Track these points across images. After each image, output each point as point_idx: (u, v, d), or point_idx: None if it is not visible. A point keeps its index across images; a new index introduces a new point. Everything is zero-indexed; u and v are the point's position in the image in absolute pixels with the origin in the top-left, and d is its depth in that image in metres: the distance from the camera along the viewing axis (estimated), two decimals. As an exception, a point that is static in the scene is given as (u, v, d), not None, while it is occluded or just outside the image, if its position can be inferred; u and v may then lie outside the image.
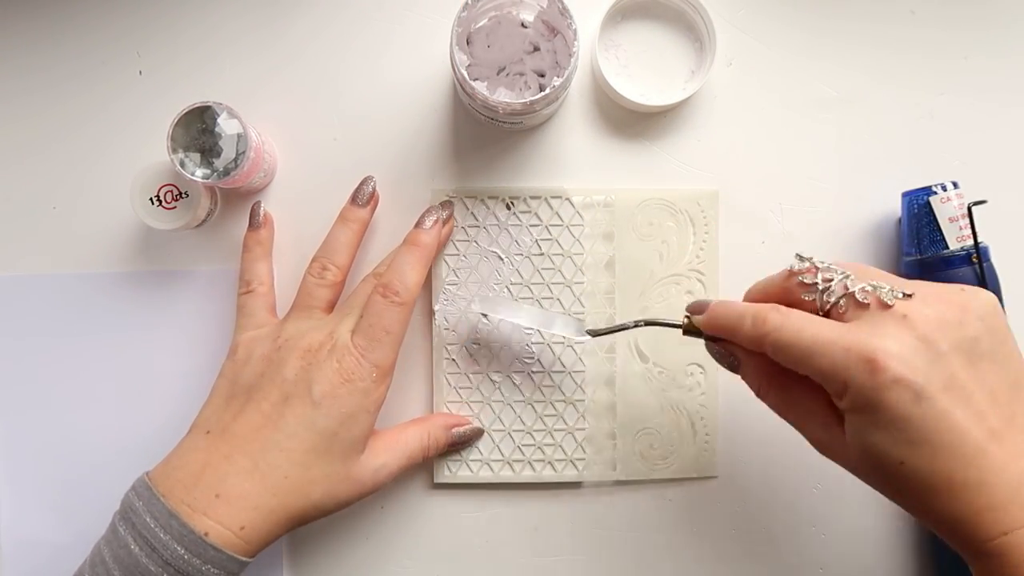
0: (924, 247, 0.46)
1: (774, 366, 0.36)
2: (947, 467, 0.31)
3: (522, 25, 0.45)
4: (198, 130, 0.43)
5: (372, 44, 0.50)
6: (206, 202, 0.46)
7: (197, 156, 0.43)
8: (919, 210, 0.46)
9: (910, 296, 0.33)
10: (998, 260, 0.46)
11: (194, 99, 0.43)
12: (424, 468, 0.49)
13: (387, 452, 0.44)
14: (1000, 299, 0.46)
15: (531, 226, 0.49)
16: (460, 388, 0.49)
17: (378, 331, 0.42)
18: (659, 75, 0.49)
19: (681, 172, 0.50)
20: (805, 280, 0.36)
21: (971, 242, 0.45)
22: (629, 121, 0.50)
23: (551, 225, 0.49)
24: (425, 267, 0.44)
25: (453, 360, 0.49)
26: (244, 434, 0.40)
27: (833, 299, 0.35)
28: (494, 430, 0.49)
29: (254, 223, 0.47)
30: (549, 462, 0.49)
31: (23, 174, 0.49)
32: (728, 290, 0.50)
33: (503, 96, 0.43)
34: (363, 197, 0.47)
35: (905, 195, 0.48)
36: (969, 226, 0.45)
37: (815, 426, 0.36)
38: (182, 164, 0.43)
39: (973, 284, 0.45)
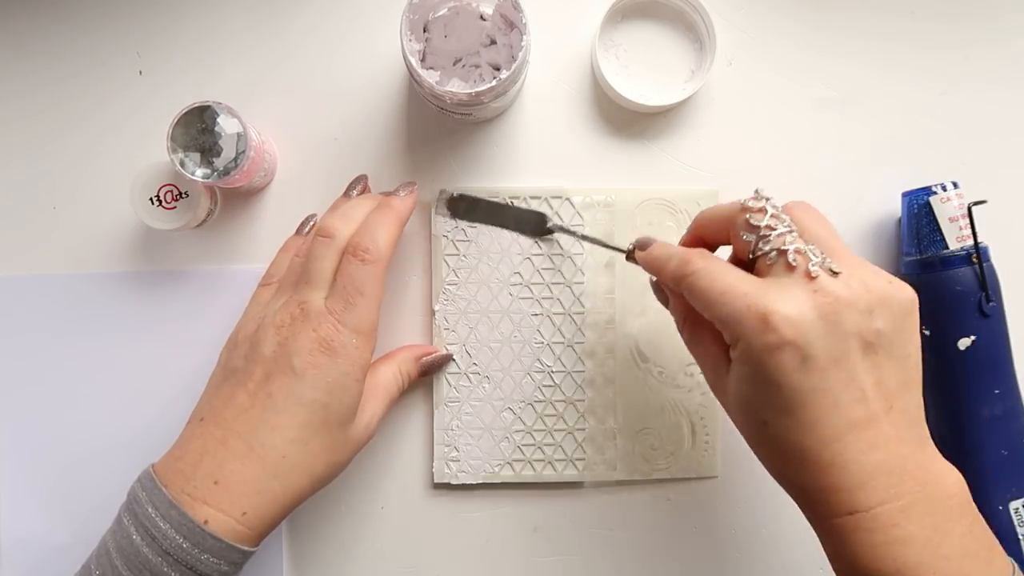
0: (924, 247, 0.46)
1: (691, 310, 0.38)
2: (804, 442, 0.32)
3: (481, 18, 0.45)
4: (198, 130, 0.43)
5: (372, 43, 0.50)
6: (206, 202, 0.46)
7: (197, 156, 0.43)
8: (919, 210, 0.46)
9: (836, 274, 0.33)
10: (998, 260, 0.46)
11: (194, 99, 0.43)
12: (424, 468, 0.49)
13: (370, 402, 0.43)
14: (1000, 299, 0.46)
15: (531, 226, 0.49)
16: (460, 388, 0.49)
17: (352, 293, 0.40)
18: (659, 75, 0.49)
19: (681, 172, 0.50)
20: (751, 220, 0.36)
21: (971, 242, 0.45)
22: (629, 121, 0.50)
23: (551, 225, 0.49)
24: (398, 229, 0.43)
25: (453, 360, 0.49)
26: (234, 416, 0.39)
27: (766, 248, 0.35)
28: (494, 430, 0.49)
29: (300, 231, 0.48)
30: (549, 462, 0.49)
31: (23, 174, 0.49)
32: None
33: (455, 87, 0.43)
34: (353, 191, 0.47)
35: (905, 195, 0.48)
36: (969, 226, 0.45)
37: (708, 367, 0.38)
38: (182, 164, 0.43)
39: (973, 284, 0.45)
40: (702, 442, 0.49)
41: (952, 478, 0.34)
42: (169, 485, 0.38)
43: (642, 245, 0.41)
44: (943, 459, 0.34)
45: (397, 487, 0.49)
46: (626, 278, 0.49)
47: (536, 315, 0.49)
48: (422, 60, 0.45)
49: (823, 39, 0.51)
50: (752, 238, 0.35)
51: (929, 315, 0.46)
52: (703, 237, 0.40)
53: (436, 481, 0.49)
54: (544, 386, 0.49)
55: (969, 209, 0.45)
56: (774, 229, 0.35)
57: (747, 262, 0.36)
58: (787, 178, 0.50)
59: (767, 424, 0.33)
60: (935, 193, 0.46)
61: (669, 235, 0.49)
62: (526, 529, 0.49)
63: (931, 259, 0.46)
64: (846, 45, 0.51)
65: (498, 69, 0.45)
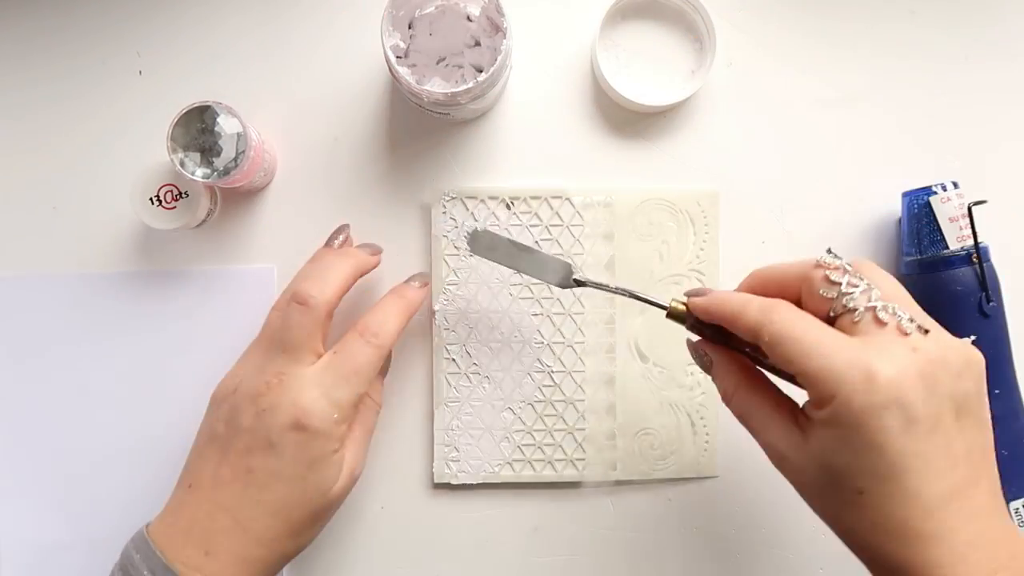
0: (924, 247, 0.46)
1: (746, 370, 0.37)
2: (906, 513, 0.31)
3: (468, 19, 0.45)
4: (198, 130, 0.43)
5: (373, 43, 0.49)
6: (206, 202, 0.46)
7: (197, 156, 0.43)
8: (919, 210, 0.46)
9: (927, 332, 0.32)
10: (998, 260, 0.46)
11: (194, 98, 0.43)
12: (424, 468, 0.49)
13: (353, 453, 0.42)
14: (1000, 299, 0.46)
15: (531, 226, 0.49)
16: (460, 388, 0.49)
17: (348, 370, 0.40)
18: (659, 75, 0.49)
19: (681, 172, 0.50)
20: (831, 276, 0.34)
21: (971, 242, 0.45)
22: (629, 121, 0.50)
23: (551, 225, 0.49)
24: (406, 319, 0.44)
25: (453, 360, 0.49)
26: (219, 489, 0.39)
27: (852, 305, 0.33)
28: (494, 430, 0.49)
29: (331, 243, 0.47)
30: (549, 462, 0.49)
31: (23, 174, 0.49)
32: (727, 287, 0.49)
33: (435, 85, 0.43)
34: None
35: (905, 195, 0.48)
36: (969, 226, 0.45)
37: (775, 433, 0.35)
38: (182, 164, 0.43)
39: (974, 284, 0.45)
40: (702, 442, 0.49)
41: None
42: (165, 550, 0.38)
43: (698, 292, 0.38)
44: (1016, 526, 0.33)
45: (397, 487, 0.49)
46: (626, 278, 0.49)
47: (536, 315, 0.49)
48: (406, 57, 0.45)
49: (823, 39, 0.51)
50: (834, 294, 0.34)
51: (929, 315, 0.46)
52: (764, 288, 0.38)
53: (436, 481, 0.49)
54: (544, 386, 0.49)
55: (969, 209, 0.45)
56: (856, 286, 0.33)
57: (825, 320, 0.34)
58: (787, 178, 0.50)
59: (863, 493, 0.31)
60: (935, 193, 0.46)
61: (669, 235, 0.49)
62: (526, 529, 0.49)
63: (931, 259, 0.46)
64: (846, 45, 0.51)
65: (481, 71, 0.45)
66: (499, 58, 0.41)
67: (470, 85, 0.41)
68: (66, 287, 0.49)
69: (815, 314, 0.34)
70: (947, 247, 0.45)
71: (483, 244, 0.45)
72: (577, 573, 0.49)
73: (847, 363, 0.31)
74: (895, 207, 0.49)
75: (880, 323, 0.32)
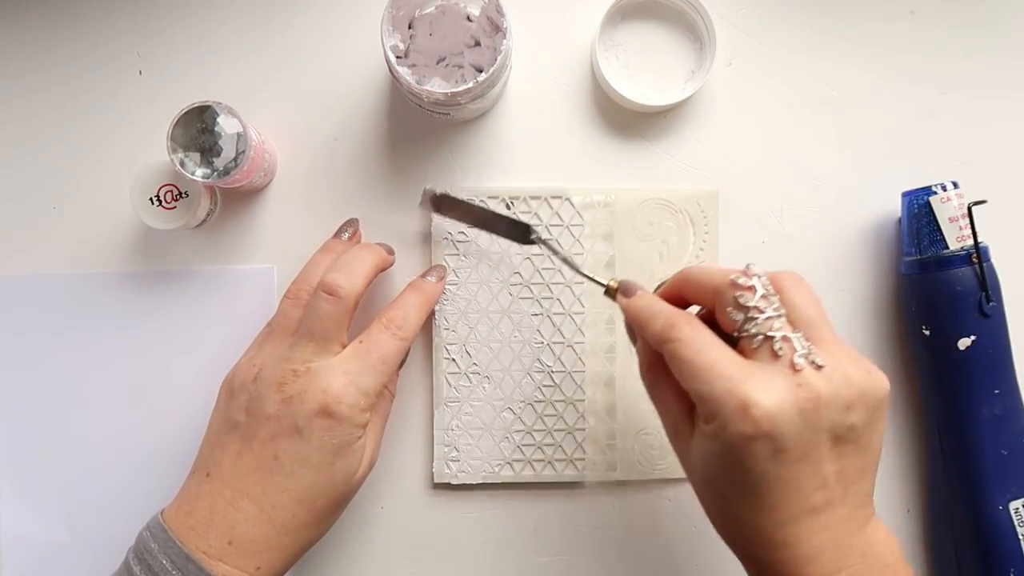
0: (924, 247, 0.46)
1: (658, 360, 0.38)
2: (760, 521, 0.33)
3: (468, 19, 0.45)
4: (198, 130, 0.43)
5: (373, 43, 0.49)
6: (206, 202, 0.46)
7: (197, 156, 0.43)
8: (919, 210, 0.46)
9: (820, 368, 0.33)
10: (998, 260, 0.46)
11: (194, 99, 0.43)
12: (424, 468, 0.49)
13: (372, 440, 0.43)
14: (1000, 299, 0.46)
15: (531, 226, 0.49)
16: (460, 388, 0.49)
17: (375, 359, 0.41)
18: (659, 75, 0.49)
19: (681, 172, 0.50)
20: (740, 298, 0.35)
21: (971, 242, 0.45)
22: (629, 121, 0.50)
23: (551, 225, 0.49)
24: (426, 313, 0.45)
25: (453, 360, 0.49)
26: (242, 477, 0.39)
27: (752, 331, 0.34)
28: (494, 430, 0.49)
29: (340, 235, 0.48)
30: (549, 462, 0.49)
31: (23, 174, 0.49)
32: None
33: (435, 85, 0.43)
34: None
35: (905, 195, 0.48)
36: (969, 226, 0.45)
37: (668, 421, 0.38)
38: (182, 164, 0.43)
39: (973, 284, 0.45)
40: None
41: (890, 547, 0.35)
42: (184, 540, 0.38)
43: (625, 290, 0.40)
44: (883, 527, 0.35)
45: (397, 487, 0.49)
46: (626, 278, 0.49)
47: (536, 315, 0.49)
48: (406, 57, 0.45)
49: (823, 39, 0.51)
50: (740, 317, 0.35)
51: (929, 315, 0.46)
52: (683, 293, 0.39)
53: (436, 481, 0.49)
54: (544, 386, 0.49)
55: (969, 209, 0.45)
56: (762, 312, 0.35)
57: (730, 336, 0.36)
58: (787, 178, 0.50)
59: (726, 498, 0.34)
60: (935, 193, 0.46)
61: (669, 235, 0.49)
62: (526, 529, 0.49)
63: (931, 259, 0.46)
64: (846, 45, 0.51)
65: (481, 71, 0.45)
66: (499, 58, 0.41)
67: (470, 85, 0.41)
68: (66, 287, 0.49)
69: (724, 328, 0.36)
70: (947, 247, 0.45)
71: (447, 207, 0.47)
72: (577, 573, 0.49)
73: (727, 391, 0.33)
74: (895, 207, 0.49)
75: (775, 355, 0.34)
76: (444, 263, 0.49)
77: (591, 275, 0.43)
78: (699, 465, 0.35)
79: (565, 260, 0.44)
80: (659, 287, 0.41)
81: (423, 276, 0.47)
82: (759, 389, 0.32)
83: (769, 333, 0.34)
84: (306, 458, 0.39)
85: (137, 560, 0.38)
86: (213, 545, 0.38)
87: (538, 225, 0.48)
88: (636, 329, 0.39)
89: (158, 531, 0.39)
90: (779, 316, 0.35)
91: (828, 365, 0.33)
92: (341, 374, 0.40)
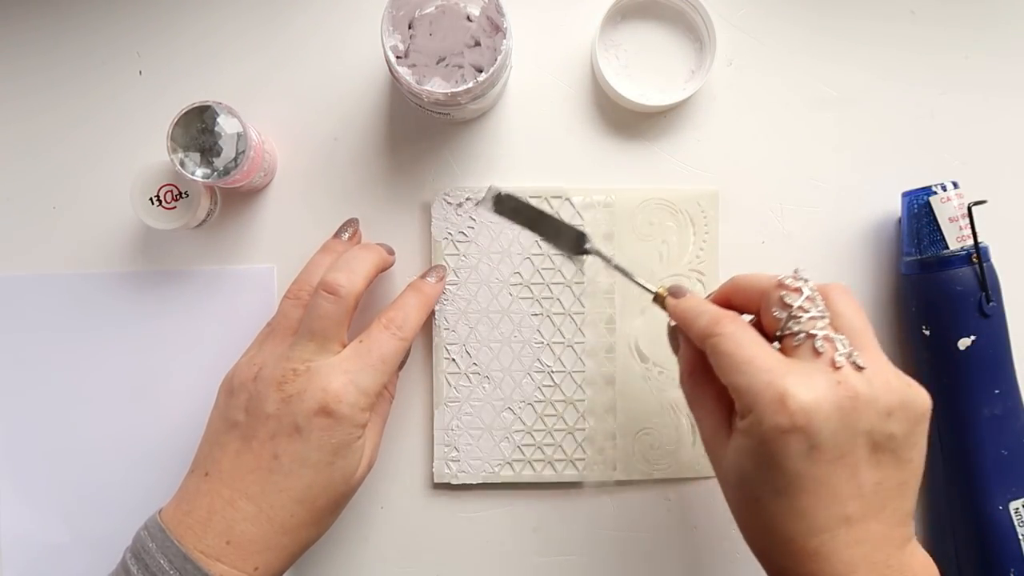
0: (924, 247, 0.46)
1: (701, 364, 0.38)
2: (793, 527, 0.33)
3: (468, 19, 0.45)
4: (198, 130, 0.43)
5: (372, 43, 0.49)
6: (206, 202, 0.46)
7: (197, 156, 0.43)
8: (919, 210, 0.46)
9: (861, 369, 0.33)
10: (998, 260, 0.46)
11: (194, 99, 0.43)
12: (424, 468, 0.49)
13: (371, 440, 0.43)
14: (1000, 299, 0.46)
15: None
16: (460, 388, 0.49)
17: (375, 358, 0.41)
18: (659, 75, 0.49)
19: (681, 172, 0.50)
20: (785, 298, 0.36)
21: (971, 242, 0.45)
22: (629, 121, 0.50)
23: (551, 225, 0.49)
24: (426, 313, 0.45)
25: (453, 360, 0.49)
26: (241, 476, 0.39)
27: (795, 328, 0.35)
28: (494, 430, 0.49)
29: (340, 235, 0.48)
30: (549, 462, 0.49)
31: (23, 174, 0.49)
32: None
33: (435, 85, 0.43)
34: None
35: (905, 195, 0.48)
36: (969, 226, 0.45)
37: (707, 427, 0.38)
38: (182, 164, 0.43)
39: (973, 284, 0.45)
40: (702, 442, 0.49)
41: (929, 571, 0.34)
42: (181, 539, 0.38)
43: (675, 292, 0.40)
44: (922, 551, 0.34)
45: (397, 487, 0.49)
46: (626, 278, 0.49)
47: (536, 315, 0.49)
48: (406, 57, 0.45)
49: (823, 39, 0.51)
50: (783, 316, 0.35)
51: (929, 315, 0.46)
52: (731, 300, 0.40)
53: (436, 481, 0.49)
54: (544, 386, 0.49)
55: (969, 209, 0.45)
56: (807, 311, 0.35)
57: (773, 338, 0.36)
58: (787, 178, 0.50)
59: (759, 502, 0.34)
60: (935, 193, 0.46)
61: (669, 235, 0.49)
62: (526, 529, 0.49)
63: (931, 259, 0.46)
64: (846, 45, 0.51)
65: (481, 71, 0.45)
66: (499, 58, 0.41)
67: (470, 85, 0.41)
68: (66, 287, 0.49)
69: (768, 330, 0.36)
70: (947, 247, 0.45)
71: (507, 207, 0.45)
72: (577, 573, 0.49)
73: (766, 384, 0.33)
74: (895, 207, 0.49)
75: (816, 353, 0.34)
76: (444, 263, 0.49)
77: (643, 283, 0.42)
78: (733, 466, 0.35)
79: (618, 268, 0.44)
80: (709, 296, 0.42)
81: (423, 276, 0.47)
82: (797, 383, 0.32)
83: (812, 331, 0.34)
84: (305, 457, 0.39)
85: (135, 559, 0.38)
86: (211, 545, 0.38)
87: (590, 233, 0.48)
88: (682, 328, 0.39)
89: (156, 530, 0.39)
90: (823, 317, 0.35)
91: (869, 368, 0.33)
92: (341, 373, 0.40)
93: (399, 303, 0.44)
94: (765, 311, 0.36)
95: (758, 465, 0.33)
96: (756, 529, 0.35)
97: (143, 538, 0.39)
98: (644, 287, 0.42)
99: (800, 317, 0.35)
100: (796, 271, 0.37)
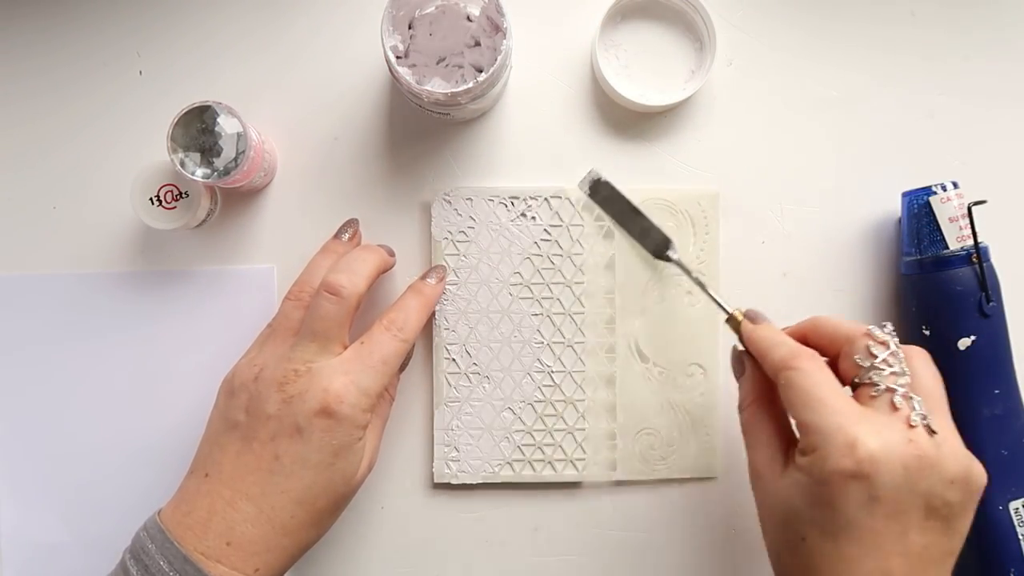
0: (924, 247, 0.46)
1: (767, 391, 0.39)
2: (835, 571, 0.33)
3: (468, 19, 0.45)
4: (198, 130, 0.43)
5: (372, 42, 0.49)
6: (206, 202, 0.46)
7: (197, 156, 0.43)
8: (919, 210, 0.46)
9: (933, 433, 0.34)
10: (998, 260, 0.46)
11: (194, 99, 0.43)
12: (424, 468, 0.49)
13: (372, 441, 0.43)
14: (1000, 299, 0.46)
15: (531, 226, 0.49)
16: (460, 388, 0.49)
17: (376, 359, 0.41)
18: (659, 75, 0.49)
19: (681, 172, 0.50)
20: (872, 348, 0.36)
21: (971, 242, 0.45)
22: (629, 121, 0.50)
23: (551, 225, 0.49)
24: (426, 315, 0.45)
25: (453, 360, 0.49)
26: (242, 477, 0.39)
27: (875, 379, 0.35)
28: (494, 430, 0.49)
29: (340, 236, 0.47)
30: (549, 462, 0.49)
31: (23, 174, 0.49)
32: (728, 290, 0.49)
33: (435, 85, 0.43)
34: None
35: (905, 195, 0.48)
36: (969, 226, 0.45)
37: (762, 456, 0.38)
38: (182, 164, 0.43)
39: (973, 284, 0.45)
40: (702, 442, 0.49)
41: None
42: (181, 540, 0.38)
43: (752, 317, 0.41)
44: None
45: (397, 487, 0.49)
46: (626, 278, 0.49)
47: (536, 315, 0.49)
48: (406, 57, 0.45)
49: (823, 39, 0.51)
50: (866, 364, 0.36)
51: (929, 315, 0.46)
52: (807, 338, 0.40)
53: (436, 481, 0.49)
54: (544, 386, 0.49)
55: (969, 209, 0.45)
56: (890, 366, 0.36)
57: (850, 383, 0.36)
58: (787, 178, 0.50)
59: (804, 541, 0.34)
60: (935, 193, 0.46)
61: (669, 235, 0.49)
62: (526, 529, 0.49)
63: (931, 259, 0.46)
64: (846, 45, 0.51)
65: (481, 71, 0.45)
66: (499, 58, 0.41)
67: (470, 85, 0.41)
68: (66, 287, 0.49)
69: (845, 375, 0.37)
70: (947, 247, 0.45)
71: (601, 194, 0.46)
72: (577, 573, 0.49)
73: (837, 426, 0.33)
74: (895, 207, 0.49)
75: (893, 408, 0.34)
76: (444, 263, 0.49)
77: (720, 301, 0.43)
78: (783, 500, 0.35)
79: (697, 282, 0.45)
80: (785, 329, 0.42)
81: (423, 278, 0.47)
82: (870, 432, 0.33)
83: (892, 386, 0.35)
84: (306, 458, 0.39)
85: (134, 560, 0.38)
86: (211, 546, 0.38)
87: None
88: (756, 355, 0.40)
89: (155, 531, 0.39)
90: (904, 375, 0.36)
91: (940, 434, 0.34)
92: (342, 374, 0.40)
93: (400, 304, 0.44)
94: (847, 356, 0.37)
95: (812, 504, 0.33)
96: (793, 568, 0.35)
97: (142, 539, 0.39)
98: (721, 306, 0.43)
99: (883, 370, 0.35)
100: (884, 326, 0.37)
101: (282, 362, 0.41)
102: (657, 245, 0.45)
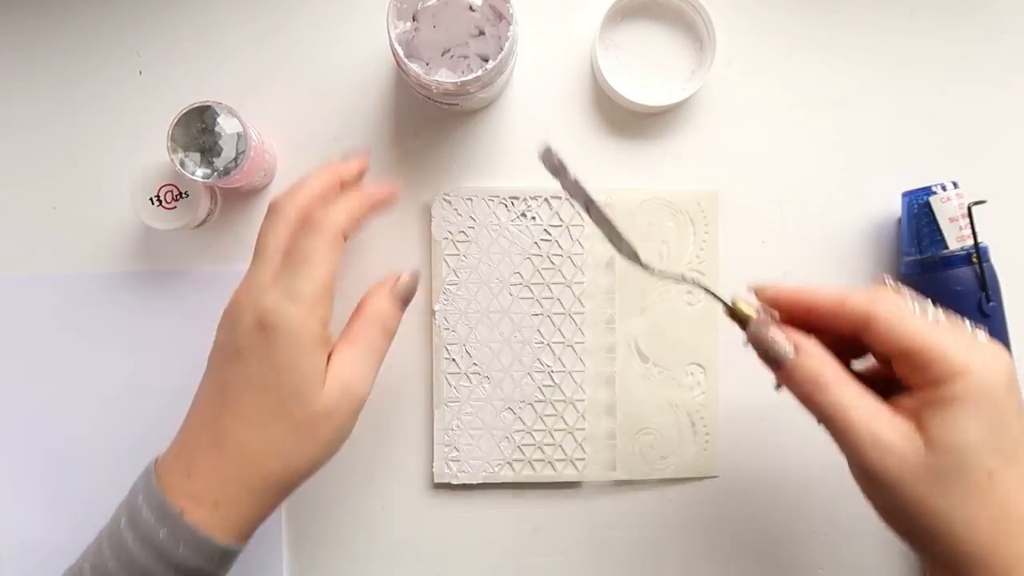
0: (924, 247, 0.46)
1: (834, 362, 0.33)
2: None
3: (470, 8, 0.45)
4: (198, 130, 0.43)
5: (372, 42, 0.50)
6: (206, 202, 0.46)
7: (197, 156, 0.43)
8: (919, 210, 0.46)
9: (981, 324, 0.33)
10: (998, 260, 0.46)
11: (194, 99, 0.43)
12: (424, 468, 0.49)
13: (349, 365, 0.39)
14: (1000, 299, 0.46)
15: (531, 226, 0.49)
16: (460, 388, 0.49)
17: (296, 260, 0.38)
18: (659, 75, 0.49)
19: (681, 172, 0.50)
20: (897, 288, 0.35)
21: (971, 242, 0.45)
22: (629, 121, 0.50)
23: (551, 225, 0.49)
24: (354, 207, 0.40)
25: (453, 360, 0.49)
26: (201, 406, 0.39)
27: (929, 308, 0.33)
28: (494, 430, 0.49)
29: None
30: (549, 462, 0.49)
31: (23, 174, 0.49)
32: (728, 290, 0.49)
33: (442, 77, 0.43)
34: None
35: (905, 195, 0.48)
36: (969, 226, 0.45)
37: (881, 423, 0.31)
38: (182, 164, 0.43)
39: (973, 284, 0.45)
40: (702, 442, 0.49)
41: None
42: (160, 479, 0.38)
43: (765, 288, 0.36)
44: None
45: (397, 487, 0.49)
46: (626, 278, 0.49)
47: (536, 315, 0.49)
48: (410, 50, 0.45)
49: (823, 39, 0.51)
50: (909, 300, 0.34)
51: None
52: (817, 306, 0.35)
53: (436, 481, 0.49)
54: (544, 386, 0.49)
55: (969, 209, 0.45)
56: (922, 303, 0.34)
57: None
58: (787, 178, 0.50)
59: (991, 477, 0.30)
60: (935, 193, 0.46)
61: (669, 235, 0.49)
62: (526, 529, 0.49)
63: (931, 259, 0.46)
64: (846, 45, 0.51)
65: (486, 60, 0.45)
66: (507, 44, 0.41)
67: (479, 73, 0.41)
68: (66, 287, 0.49)
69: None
70: (947, 247, 0.45)
71: (551, 165, 0.41)
72: (577, 573, 0.49)
73: (970, 342, 0.31)
74: (895, 207, 0.49)
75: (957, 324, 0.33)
76: (445, 263, 0.49)
77: (713, 291, 0.38)
78: (944, 450, 0.30)
79: (686, 280, 0.39)
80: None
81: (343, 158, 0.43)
82: (980, 339, 0.32)
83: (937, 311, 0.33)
84: (248, 378, 0.37)
85: (125, 500, 0.38)
86: (176, 480, 0.37)
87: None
88: (822, 310, 0.34)
89: (145, 473, 0.39)
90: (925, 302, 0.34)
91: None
92: (271, 287, 0.38)
93: (333, 209, 0.40)
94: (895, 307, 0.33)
95: (987, 429, 0.30)
96: (986, 515, 0.30)
97: (136, 480, 0.39)
98: (717, 297, 0.38)
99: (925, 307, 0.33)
100: (884, 278, 0.36)
101: (238, 290, 0.40)
102: (629, 255, 0.40)
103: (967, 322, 0.33)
